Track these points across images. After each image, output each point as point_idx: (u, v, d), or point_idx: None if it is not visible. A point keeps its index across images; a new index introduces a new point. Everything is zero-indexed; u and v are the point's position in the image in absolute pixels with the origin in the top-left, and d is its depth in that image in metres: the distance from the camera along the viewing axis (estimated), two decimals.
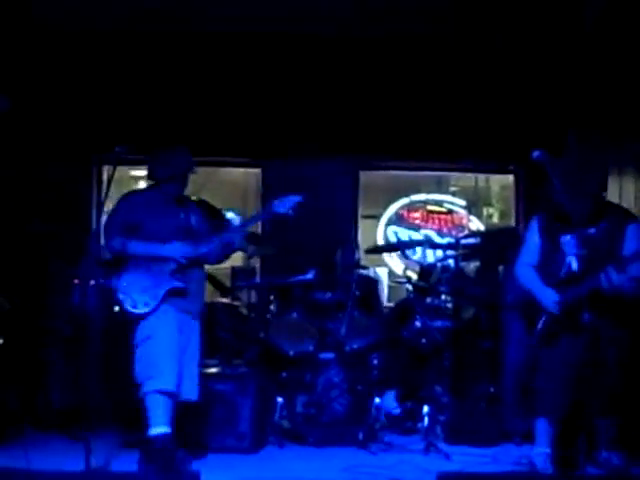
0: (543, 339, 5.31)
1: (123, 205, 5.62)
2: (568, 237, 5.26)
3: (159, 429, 5.21)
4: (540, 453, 5.34)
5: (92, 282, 6.48)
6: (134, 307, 5.31)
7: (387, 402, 6.59)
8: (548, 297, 5.24)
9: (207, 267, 7.31)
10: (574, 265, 5.26)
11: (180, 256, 5.44)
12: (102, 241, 5.57)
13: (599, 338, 5.03)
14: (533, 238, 5.48)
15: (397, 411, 6.70)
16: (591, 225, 5.17)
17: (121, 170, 7.19)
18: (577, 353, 5.13)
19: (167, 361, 5.27)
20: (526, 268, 5.47)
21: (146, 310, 5.31)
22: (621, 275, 5.03)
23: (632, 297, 5.16)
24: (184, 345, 5.42)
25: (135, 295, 5.32)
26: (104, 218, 5.68)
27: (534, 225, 5.51)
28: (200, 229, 5.66)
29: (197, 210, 5.82)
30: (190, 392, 5.47)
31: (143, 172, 9.40)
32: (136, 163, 8.85)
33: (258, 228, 8.51)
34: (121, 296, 5.33)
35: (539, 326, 5.29)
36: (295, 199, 5.50)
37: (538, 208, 5.70)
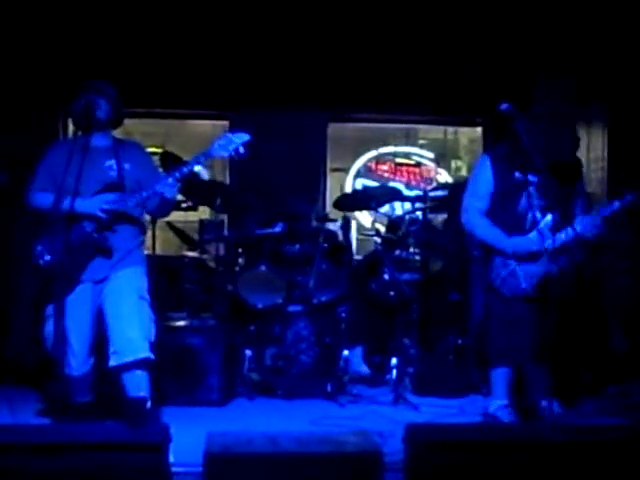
0: (505, 293, 5.26)
1: (47, 156, 5.15)
2: (530, 188, 5.22)
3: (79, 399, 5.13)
4: (501, 406, 5.38)
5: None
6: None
7: (355, 362, 6.65)
8: (523, 243, 5.17)
9: (175, 220, 7.37)
10: (539, 217, 5.24)
11: (100, 210, 4.93)
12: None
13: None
14: (485, 180, 5.31)
15: (365, 371, 6.76)
16: (550, 177, 5.13)
17: None
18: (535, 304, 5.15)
19: (73, 345, 4.96)
20: (478, 215, 5.31)
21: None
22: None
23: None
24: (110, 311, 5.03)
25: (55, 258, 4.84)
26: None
27: (487, 166, 5.33)
28: (133, 179, 5.13)
29: (134, 158, 5.24)
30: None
31: None
32: None
33: (225, 179, 8.50)
34: (41, 261, 4.90)
35: (502, 276, 5.25)
36: (241, 139, 4.94)
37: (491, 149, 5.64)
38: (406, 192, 8.94)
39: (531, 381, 5.44)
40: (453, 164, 10.00)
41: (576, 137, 5.43)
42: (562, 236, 5.10)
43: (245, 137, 4.96)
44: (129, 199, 4.98)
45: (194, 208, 7.43)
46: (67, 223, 4.81)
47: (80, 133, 5.12)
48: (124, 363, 4.92)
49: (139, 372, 4.98)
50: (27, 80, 7.90)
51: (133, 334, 4.94)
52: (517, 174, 5.21)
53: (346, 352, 6.37)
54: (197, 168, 5.09)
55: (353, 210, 8.35)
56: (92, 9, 7.67)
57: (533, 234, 5.17)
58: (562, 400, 5.30)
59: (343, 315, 6.58)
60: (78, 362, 5.00)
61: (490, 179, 5.30)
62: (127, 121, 9.26)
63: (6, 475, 3.60)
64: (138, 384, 5.02)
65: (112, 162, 5.12)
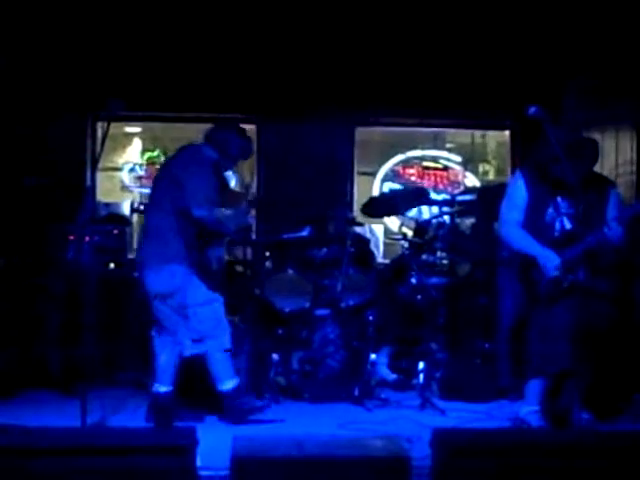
0: (544, 301, 5.23)
1: (212, 173, 5.64)
2: (560, 196, 5.22)
3: (231, 383, 5.66)
4: (531, 411, 5.36)
5: (87, 238, 6.44)
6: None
7: (381, 369, 6.63)
8: (550, 260, 5.16)
9: None
10: (567, 225, 5.23)
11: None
12: (200, 210, 5.47)
13: (593, 296, 5.03)
14: (519, 193, 5.35)
15: (392, 377, 6.73)
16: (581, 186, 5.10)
17: (115, 127, 7.12)
18: (574, 312, 5.09)
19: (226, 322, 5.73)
20: (515, 228, 5.34)
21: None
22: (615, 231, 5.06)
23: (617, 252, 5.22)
24: None
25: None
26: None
27: (520, 180, 5.37)
28: None
29: None
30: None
31: (137, 129, 9.49)
32: (130, 119, 8.85)
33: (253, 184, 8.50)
34: None
35: (541, 288, 5.22)
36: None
37: (523, 162, 5.64)
38: (434, 196, 8.93)
39: (562, 387, 5.40)
40: (481, 168, 9.96)
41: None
42: (590, 241, 5.07)
43: None
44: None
45: None
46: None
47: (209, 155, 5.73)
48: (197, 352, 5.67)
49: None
50: (58, 87, 7.96)
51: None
52: (545, 183, 5.24)
53: (373, 356, 6.36)
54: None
55: (381, 216, 8.34)
56: (121, 16, 7.72)
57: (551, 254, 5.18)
58: (592, 406, 5.26)
59: (370, 319, 6.56)
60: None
61: (524, 191, 5.33)
62: (156, 126, 9.43)
63: (34, 477, 3.63)
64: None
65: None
